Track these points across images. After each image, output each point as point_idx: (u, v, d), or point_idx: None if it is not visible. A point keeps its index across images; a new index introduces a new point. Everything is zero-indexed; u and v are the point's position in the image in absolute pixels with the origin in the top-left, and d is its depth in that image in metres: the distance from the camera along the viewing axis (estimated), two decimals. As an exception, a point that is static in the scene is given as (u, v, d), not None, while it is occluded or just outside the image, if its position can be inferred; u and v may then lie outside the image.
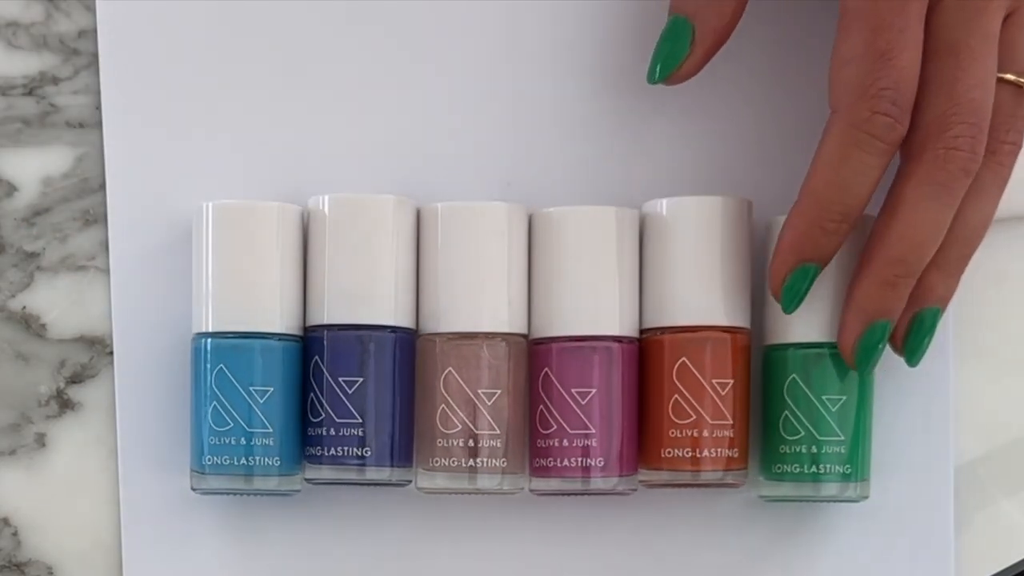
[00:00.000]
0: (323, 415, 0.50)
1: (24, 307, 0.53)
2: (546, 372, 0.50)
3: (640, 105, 0.52)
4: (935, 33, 0.46)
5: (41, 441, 0.53)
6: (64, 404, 0.53)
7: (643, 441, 0.51)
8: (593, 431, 0.50)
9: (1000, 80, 0.47)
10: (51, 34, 0.53)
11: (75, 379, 0.53)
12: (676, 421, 0.50)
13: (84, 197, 0.53)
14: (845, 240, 0.47)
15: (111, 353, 0.53)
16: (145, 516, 0.53)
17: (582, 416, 0.50)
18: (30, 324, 0.53)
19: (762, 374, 0.51)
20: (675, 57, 0.49)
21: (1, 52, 0.53)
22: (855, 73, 0.46)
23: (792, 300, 0.48)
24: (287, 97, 0.51)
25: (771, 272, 0.48)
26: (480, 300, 0.50)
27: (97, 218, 0.53)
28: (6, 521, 0.54)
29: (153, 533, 0.53)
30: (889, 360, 0.50)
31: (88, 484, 0.53)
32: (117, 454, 0.53)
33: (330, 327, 0.50)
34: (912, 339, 0.49)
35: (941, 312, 0.49)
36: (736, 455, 0.50)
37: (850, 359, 0.48)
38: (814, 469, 0.50)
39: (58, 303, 0.53)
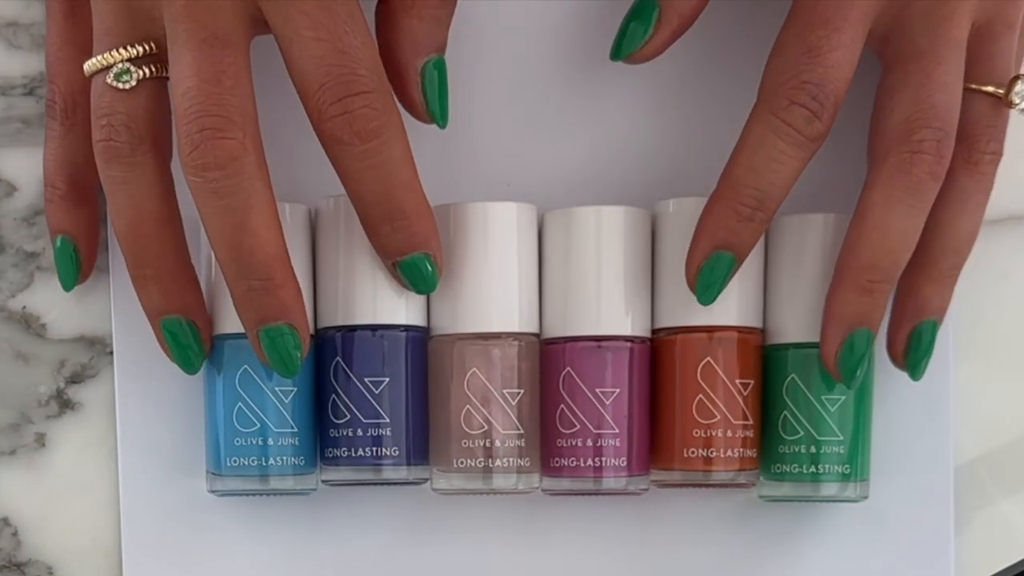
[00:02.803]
0: (340, 415, 0.50)
1: (24, 307, 0.53)
2: (568, 372, 0.50)
3: (649, 105, 0.52)
4: (901, 40, 0.46)
5: (41, 441, 0.53)
6: (64, 404, 0.53)
7: (661, 441, 0.51)
8: (615, 431, 0.50)
9: (979, 91, 0.47)
10: (52, 34, 0.53)
11: (75, 379, 0.53)
12: (700, 421, 0.50)
13: (85, 197, 0.53)
14: (762, 232, 0.47)
15: (111, 353, 0.53)
16: (145, 516, 0.53)
17: (606, 416, 0.50)
18: (30, 324, 0.53)
19: (762, 374, 0.51)
20: (638, 36, 0.49)
21: (1, 52, 0.53)
22: (781, 63, 0.46)
23: (707, 289, 0.48)
24: (291, 97, 0.51)
25: (687, 260, 0.48)
26: (503, 300, 0.50)
27: (98, 218, 0.53)
28: (6, 521, 0.53)
29: (153, 533, 0.53)
30: (889, 362, 0.50)
31: (88, 484, 0.53)
32: (117, 454, 0.53)
33: (343, 328, 0.50)
34: (912, 354, 0.49)
35: (939, 324, 0.49)
36: (752, 455, 0.50)
37: (833, 370, 0.48)
38: (813, 469, 0.50)
39: (58, 303, 0.53)
